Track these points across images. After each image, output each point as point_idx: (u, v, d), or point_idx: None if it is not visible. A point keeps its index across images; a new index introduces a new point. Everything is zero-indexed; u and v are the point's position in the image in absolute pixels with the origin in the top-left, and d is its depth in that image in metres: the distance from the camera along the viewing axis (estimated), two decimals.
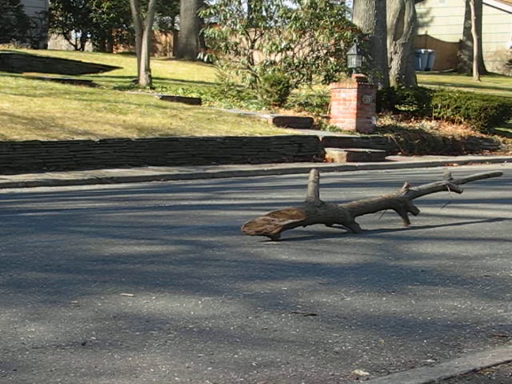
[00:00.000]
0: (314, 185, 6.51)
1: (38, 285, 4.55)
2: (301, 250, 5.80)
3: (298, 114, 16.96)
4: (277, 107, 17.32)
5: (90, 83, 18.04)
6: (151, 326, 3.79)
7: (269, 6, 18.97)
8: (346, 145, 15.46)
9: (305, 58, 18.48)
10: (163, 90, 18.75)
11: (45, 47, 26.35)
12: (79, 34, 31.95)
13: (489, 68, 35.52)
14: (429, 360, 3.39)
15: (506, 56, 36.86)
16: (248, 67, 18.69)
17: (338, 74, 18.46)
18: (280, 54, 18.41)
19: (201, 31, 20.64)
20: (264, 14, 18.97)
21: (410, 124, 17.93)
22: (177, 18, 39.02)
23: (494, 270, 5.22)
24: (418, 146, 16.98)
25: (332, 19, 18.30)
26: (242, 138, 13.99)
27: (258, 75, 18.29)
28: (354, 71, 17.36)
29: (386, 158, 15.62)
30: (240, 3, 19.17)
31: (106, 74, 21.69)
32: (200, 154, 13.26)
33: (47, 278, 4.73)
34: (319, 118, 16.98)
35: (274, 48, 18.16)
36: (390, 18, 20.99)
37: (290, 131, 15.08)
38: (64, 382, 3.06)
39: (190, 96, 18.06)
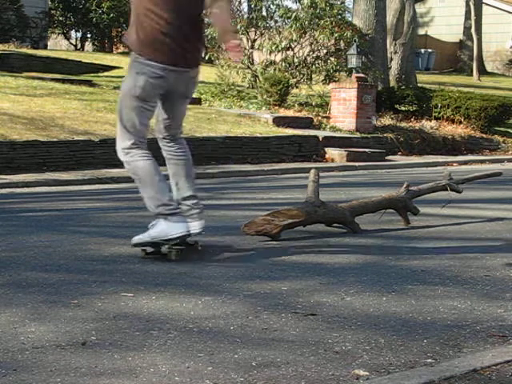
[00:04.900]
0: (314, 185, 6.51)
1: (38, 285, 4.55)
2: (301, 250, 5.80)
3: (297, 114, 16.96)
4: (277, 107, 17.32)
5: (90, 83, 18.04)
6: (151, 326, 3.79)
7: (269, 6, 18.98)
8: (345, 145, 15.46)
9: (305, 58, 18.49)
10: None
11: (45, 47, 26.35)
12: (79, 34, 31.97)
13: (489, 68, 35.54)
14: (429, 360, 3.39)
15: (506, 56, 36.88)
16: (248, 67, 18.70)
17: (337, 73, 18.47)
18: (280, 53, 18.42)
19: None
20: (264, 13, 18.99)
21: (410, 124, 17.93)
22: None
23: (494, 269, 5.22)
24: (418, 145, 16.99)
25: (332, 19, 18.31)
26: (242, 137, 14.00)
27: (259, 75, 18.30)
28: (353, 71, 17.36)
29: (386, 157, 15.62)
30: (240, 3, 19.20)
31: (106, 73, 21.68)
32: (200, 154, 13.25)
33: (47, 278, 4.73)
34: (319, 118, 16.98)
35: (274, 48, 18.16)
36: (390, 18, 21.00)
37: (290, 131, 15.08)
38: (64, 381, 3.06)
39: None
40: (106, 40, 32.07)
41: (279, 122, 15.71)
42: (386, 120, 17.85)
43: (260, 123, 15.53)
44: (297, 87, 18.71)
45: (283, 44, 18.19)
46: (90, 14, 28.98)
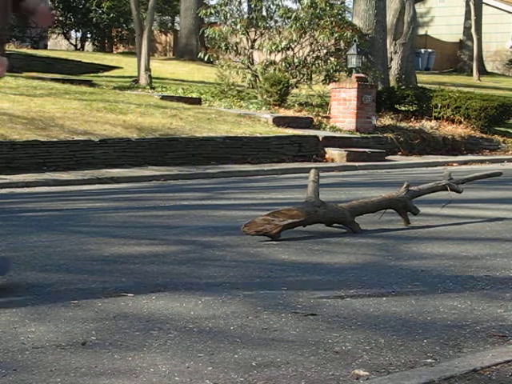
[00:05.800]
0: (314, 185, 6.51)
1: (38, 285, 4.55)
2: (301, 250, 5.80)
3: (297, 114, 16.96)
4: (277, 107, 17.32)
5: (90, 83, 18.04)
6: (151, 326, 3.79)
7: (269, 6, 18.98)
8: (345, 145, 15.46)
9: (305, 58, 18.49)
10: (163, 89, 18.76)
11: (45, 47, 26.35)
12: (79, 34, 31.98)
13: (489, 68, 35.53)
14: (429, 360, 3.38)
15: (506, 56, 36.87)
16: (248, 67, 18.70)
17: (337, 73, 18.47)
18: (280, 53, 18.42)
19: (201, 31, 20.65)
20: (264, 13, 18.99)
21: (410, 124, 17.93)
22: (177, 18, 39.03)
23: (494, 269, 5.22)
24: (418, 145, 16.98)
25: (332, 19, 18.31)
26: (242, 137, 13.99)
27: (259, 75, 18.30)
28: (353, 71, 17.36)
29: (386, 157, 15.62)
30: (240, 3, 19.19)
31: (105, 73, 21.70)
32: (200, 154, 13.26)
33: (47, 278, 4.73)
34: (319, 118, 16.98)
35: (274, 48, 18.17)
36: (390, 18, 21.00)
37: (289, 131, 15.08)
38: (64, 381, 3.06)
39: (189, 96, 18.07)
40: (106, 40, 32.08)
41: (279, 122, 15.71)
42: (386, 120, 17.85)
43: (260, 123, 15.53)
44: (297, 87, 18.71)
45: (283, 44, 18.19)
46: (90, 13, 28.98)
